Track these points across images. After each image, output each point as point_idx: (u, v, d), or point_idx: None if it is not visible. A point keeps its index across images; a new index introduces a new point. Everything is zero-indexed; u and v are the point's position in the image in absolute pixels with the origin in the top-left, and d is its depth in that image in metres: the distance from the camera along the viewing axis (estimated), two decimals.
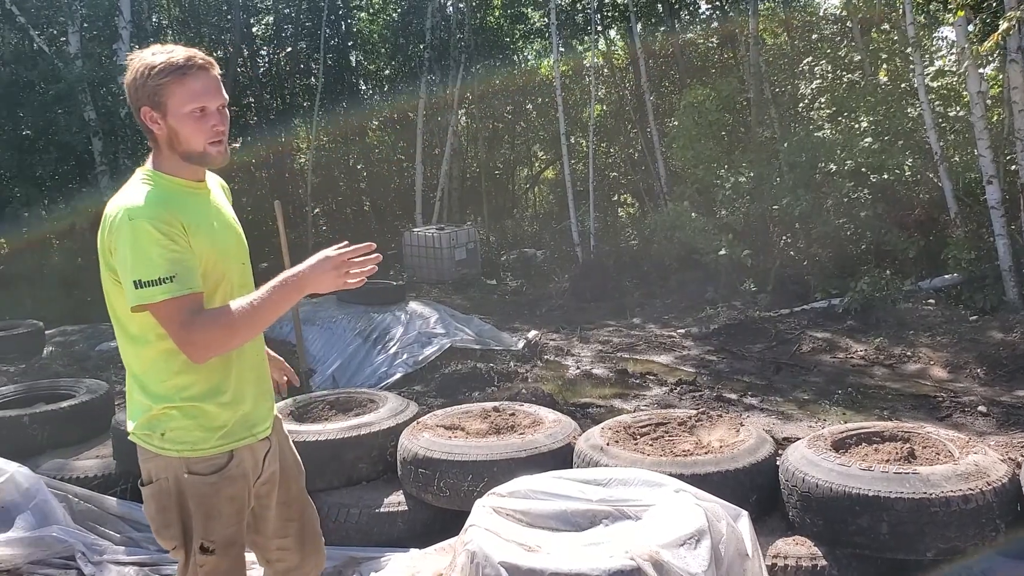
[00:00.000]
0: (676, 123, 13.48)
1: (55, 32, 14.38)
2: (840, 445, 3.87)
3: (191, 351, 2.35)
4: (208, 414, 2.49)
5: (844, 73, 13.10)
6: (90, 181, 13.55)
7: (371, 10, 20.30)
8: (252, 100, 18.83)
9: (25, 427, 5.21)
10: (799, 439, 4.15)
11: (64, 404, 5.46)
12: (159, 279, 2.28)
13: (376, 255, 2.42)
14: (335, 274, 2.38)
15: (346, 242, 2.49)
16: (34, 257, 13.88)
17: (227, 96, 2.49)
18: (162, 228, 2.31)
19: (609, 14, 17.91)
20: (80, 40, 13.94)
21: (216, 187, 2.69)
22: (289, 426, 4.48)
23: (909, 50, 11.31)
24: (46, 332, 9.65)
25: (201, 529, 2.51)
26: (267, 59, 19.63)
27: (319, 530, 2.93)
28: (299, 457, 2.90)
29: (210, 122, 2.43)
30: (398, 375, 8.32)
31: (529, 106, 20.08)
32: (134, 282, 2.30)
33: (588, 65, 17.36)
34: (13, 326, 9.42)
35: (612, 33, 19.03)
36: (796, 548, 3.54)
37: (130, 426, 2.56)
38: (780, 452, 3.98)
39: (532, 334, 9.68)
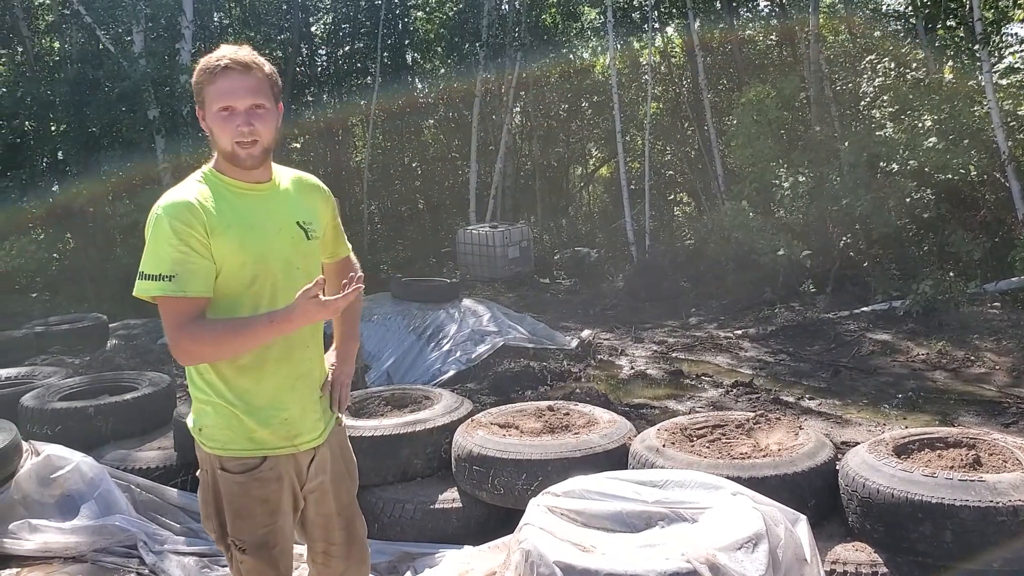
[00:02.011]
0: (735, 121, 13.32)
1: (120, 31, 14.69)
2: (902, 450, 3.79)
3: (176, 354, 2.39)
4: (237, 418, 2.48)
5: (907, 71, 12.83)
6: (153, 178, 13.81)
7: (427, 9, 20.43)
8: (310, 99, 19.06)
9: (90, 418, 5.34)
10: (859, 443, 4.07)
11: (127, 396, 5.57)
12: (159, 275, 2.32)
13: (358, 287, 2.39)
14: (315, 306, 2.32)
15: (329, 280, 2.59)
16: (98, 252, 14.23)
17: (260, 99, 2.42)
18: (177, 227, 2.33)
19: (667, 11, 17.78)
20: (144, 39, 14.25)
21: (293, 185, 2.62)
22: (345, 421, 4.53)
23: (976, 47, 11.04)
24: (110, 325, 9.86)
25: (231, 527, 2.53)
26: (325, 58, 19.87)
27: (365, 541, 2.89)
28: (354, 466, 2.86)
29: (235, 122, 2.40)
30: (451, 372, 8.35)
31: (584, 104, 20.01)
32: (139, 272, 2.35)
33: (645, 63, 17.25)
34: (78, 319, 9.65)
35: (669, 30, 18.89)
36: (856, 554, 3.48)
37: (189, 420, 2.62)
38: (840, 456, 3.91)
39: (585, 333, 9.64)
